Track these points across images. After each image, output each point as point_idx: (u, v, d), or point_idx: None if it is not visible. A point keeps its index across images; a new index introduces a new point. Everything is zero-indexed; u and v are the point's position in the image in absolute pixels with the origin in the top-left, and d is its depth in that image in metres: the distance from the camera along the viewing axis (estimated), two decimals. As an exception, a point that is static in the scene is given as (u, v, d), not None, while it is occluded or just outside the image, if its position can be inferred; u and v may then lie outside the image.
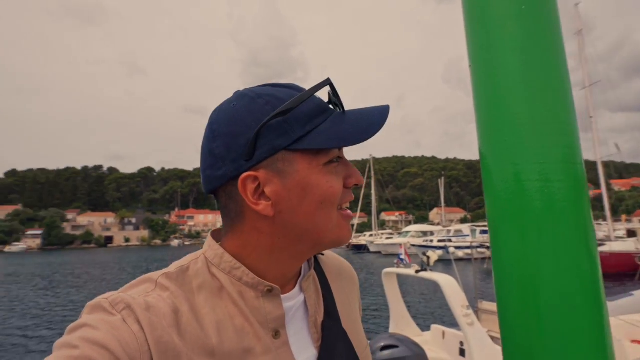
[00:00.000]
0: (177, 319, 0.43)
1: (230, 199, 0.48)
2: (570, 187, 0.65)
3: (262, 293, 0.48)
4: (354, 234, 52.55)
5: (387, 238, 40.14)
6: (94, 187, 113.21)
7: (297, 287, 0.53)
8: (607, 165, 25.03)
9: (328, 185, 0.46)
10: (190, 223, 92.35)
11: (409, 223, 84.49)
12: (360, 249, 40.52)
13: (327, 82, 0.48)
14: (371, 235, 46.70)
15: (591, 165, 20.70)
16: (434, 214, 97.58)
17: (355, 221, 58.49)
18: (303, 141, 0.45)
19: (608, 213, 19.34)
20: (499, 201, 0.80)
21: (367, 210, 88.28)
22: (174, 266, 0.50)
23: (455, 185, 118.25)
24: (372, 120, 0.48)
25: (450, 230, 32.47)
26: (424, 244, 28.66)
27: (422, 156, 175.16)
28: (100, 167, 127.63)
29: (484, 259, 21.16)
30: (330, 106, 0.50)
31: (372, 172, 50.55)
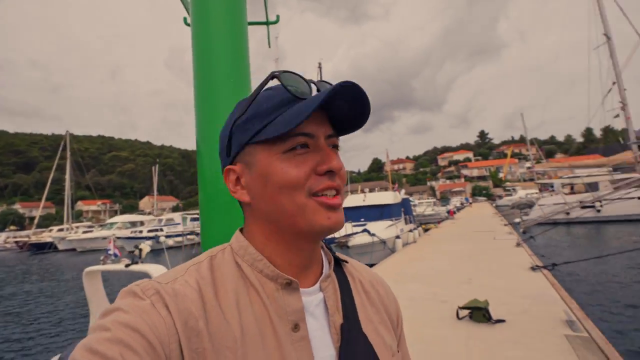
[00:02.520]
0: (203, 305, 0.46)
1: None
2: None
3: (281, 286, 0.50)
4: (33, 230, 40.48)
5: (85, 232, 33.58)
6: None
7: (316, 285, 0.54)
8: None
9: (283, 172, 0.48)
10: None
11: (115, 213, 74.64)
12: (44, 248, 31.45)
13: (270, 77, 0.50)
14: (60, 230, 37.29)
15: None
16: (144, 203, 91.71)
17: (38, 212, 44.97)
18: (260, 134, 0.50)
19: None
20: (210, 188, 1.08)
21: (57, 199, 69.87)
22: (204, 255, 0.53)
23: (170, 174, 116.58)
24: (312, 101, 0.46)
25: (162, 219, 31.78)
26: (132, 235, 26.56)
27: (136, 140, 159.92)
28: None
29: (193, 244, 22.48)
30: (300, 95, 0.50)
31: (68, 152, 40.38)
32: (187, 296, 0.46)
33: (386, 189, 26.37)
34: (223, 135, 0.55)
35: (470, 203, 47.33)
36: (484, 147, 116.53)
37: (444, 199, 55.87)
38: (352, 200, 15.57)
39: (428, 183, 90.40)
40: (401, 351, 0.64)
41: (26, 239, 35.16)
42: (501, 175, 77.57)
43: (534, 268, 6.88)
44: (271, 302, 0.50)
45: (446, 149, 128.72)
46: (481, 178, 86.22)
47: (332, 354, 0.51)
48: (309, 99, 0.48)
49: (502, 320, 4.23)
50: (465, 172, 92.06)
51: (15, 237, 38.87)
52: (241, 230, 0.57)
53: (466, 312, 4.51)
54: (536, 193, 31.08)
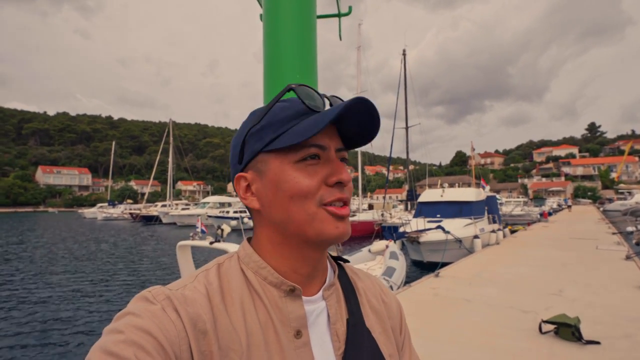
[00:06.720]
0: (211, 309, 0.48)
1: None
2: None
3: (284, 293, 0.52)
4: (143, 204, 47.53)
5: (183, 209, 38.29)
6: None
7: (319, 294, 0.56)
8: (363, 154, 32.98)
9: (294, 182, 0.50)
10: None
11: (207, 194, 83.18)
12: (151, 220, 36.98)
13: (287, 89, 0.52)
14: (164, 206, 43.14)
15: (354, 154, 27.22)
16: (231, 186, 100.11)
17: (147, 189, 52.73)
18: (273, 143, 0.51)
19: (360, 191, 26.17)
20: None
21: (162, 178, 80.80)
22: (212, 263, 0.56)
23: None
24: (327, 115, 0.48)
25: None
26: (220, 214, 29.36)
27: (227, 127, 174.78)
28: None
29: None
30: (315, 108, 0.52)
31: (171, 138, 46.26)
32: (196, 301, 0.48)
33: (469, 185, 24.65)
34: (235, 143, 0.56)
35: (569, 205, 41.34)
36: (593, 142, 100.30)
37: (538, 199, 49.86)
38: (429, 195, 14.88)
39: (519, 180, 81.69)
40: (408, 358, 0.65)
41: (138, 212, 41.40)
42: (614, 175, 66.12)
43: (646, 287, 5.85)
44: (274, 309, 0.51)
45: (544, 143, 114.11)
46: (587, 177, 74.80)
47: None
48: (323, 112, 0.50)
49: (596, 342, 3.72)
50: (566, 169, 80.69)
51: (130, 210, 45.67)
52: (249, 239, 0.60)
53: (551, 327, 4.06)
54: (661, 199, 25.78)
